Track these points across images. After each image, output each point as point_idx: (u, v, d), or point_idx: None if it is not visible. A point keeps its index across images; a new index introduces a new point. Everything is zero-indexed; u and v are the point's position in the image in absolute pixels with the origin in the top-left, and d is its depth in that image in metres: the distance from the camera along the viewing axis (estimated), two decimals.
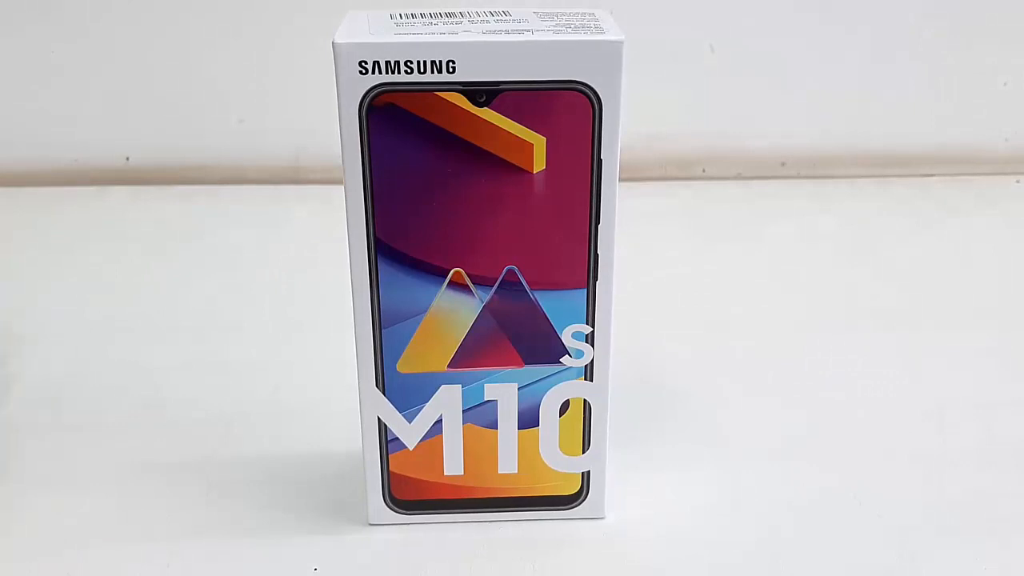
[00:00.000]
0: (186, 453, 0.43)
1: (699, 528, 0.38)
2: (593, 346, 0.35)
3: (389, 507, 0.37)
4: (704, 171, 0.76)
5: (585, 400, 0.36)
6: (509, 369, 0.35)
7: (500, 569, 0.36)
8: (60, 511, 0.39)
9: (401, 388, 0.35)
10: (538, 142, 0.32)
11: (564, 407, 0.36)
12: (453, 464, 0.37)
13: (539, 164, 0.32)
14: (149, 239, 0.65)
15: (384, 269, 0.33)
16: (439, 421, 0.36)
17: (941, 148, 0.76)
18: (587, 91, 0.31)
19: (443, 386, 0.35)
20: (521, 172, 0.32)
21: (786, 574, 0.36)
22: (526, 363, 0.35)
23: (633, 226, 0.69)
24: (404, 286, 0.34)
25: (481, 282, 0.34)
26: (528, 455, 0.37)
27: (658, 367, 0.50)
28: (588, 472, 0.37)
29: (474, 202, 0.33)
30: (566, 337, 0.35)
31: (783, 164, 0.76)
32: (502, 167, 0.32)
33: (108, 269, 0.61)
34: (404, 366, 0.35)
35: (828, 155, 0.76)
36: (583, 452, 0.37)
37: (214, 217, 0.69)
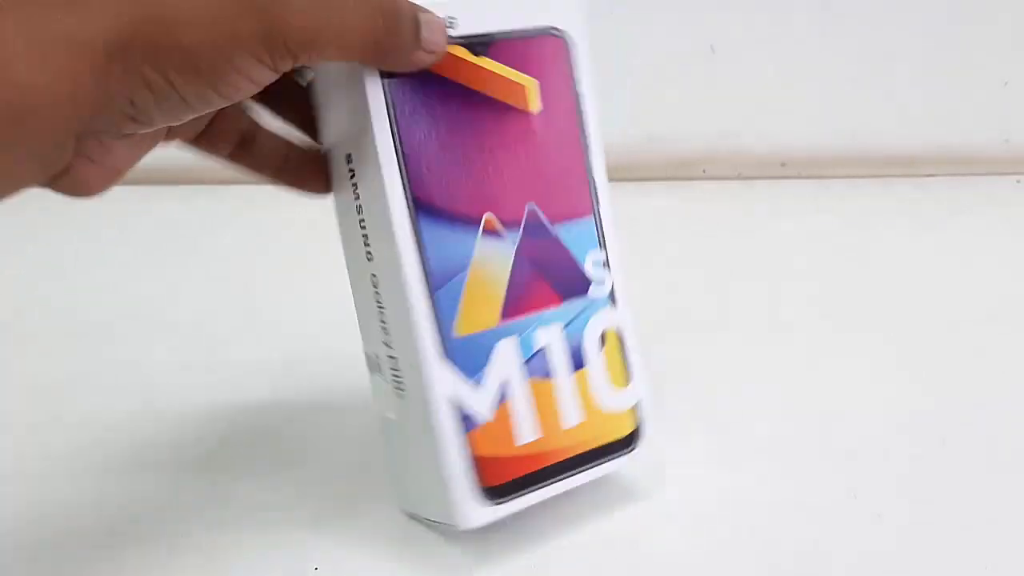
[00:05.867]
0: (186, 453, 0.43)
1: (699, 528, 0.38)
2: (610, 269, 0.37)
3: (481, 500, 0.34)
4: (704, 171, 0.76)
5: (616, 329, 0.37)
6: (551, 309, 0.36)
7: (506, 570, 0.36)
8: (60, 510, 0.39)
9: (463, 353, 0.34)
10: (531, 84, 0.35)
11: (602, 340, 0.37)
12: (526, 427, 0.35)
13: (535, 104, 0.35)
14: (149, 239, 0.65)
15: (426, 228, 0.33)
16: (505, 382, 0.35)
17: (941, 148, 0.76)
18: (560, 34, 0.35)
19: (499, 342, 0.35)
20: (523, 114, 0.35)
21: (786, 573, 0.36)
22: (563, 300, 0.36)
23: (633, 226, 0.69)
24: (446, 242, 0.34)
25: (510, 226, 0.35)
26: (584, 400, 0.37)
27: (658, 366, 0.50)
28: (639, 406, 0.38)
29: (490, 146, 0.34)
30: (588, 267, 0.36)
31: (783, 164, 0.76)
32: (507, 111, 0.34)
33: (108, 269, 0.61)
34: (461, 328, 0.34)
35: (828, 155, 0.76)
36: (628, 383, 0.37)
37: (214, 217, 0.69)
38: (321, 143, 0.35)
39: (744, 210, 0.71)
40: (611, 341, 0.37)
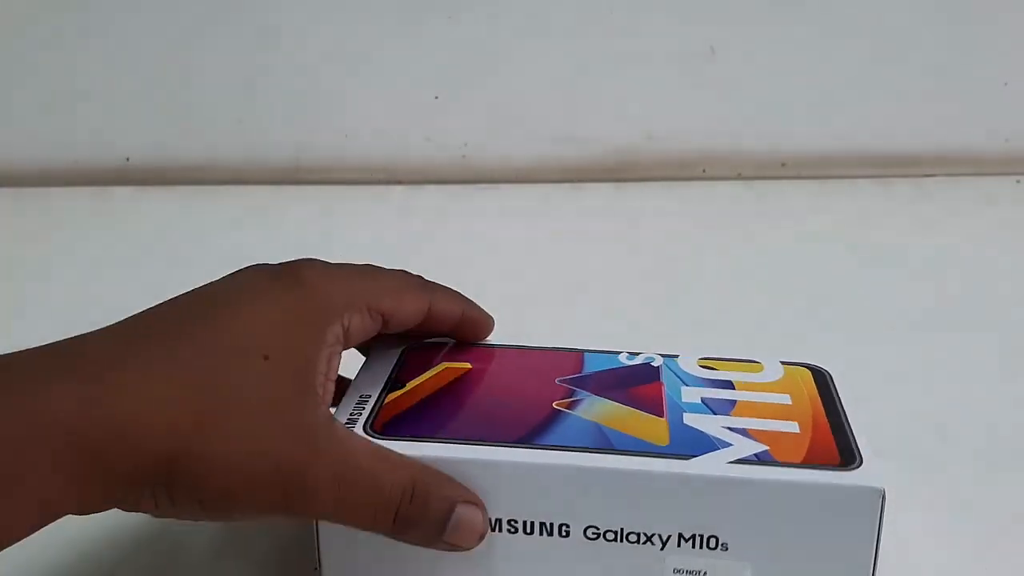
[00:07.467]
0: None
1: None
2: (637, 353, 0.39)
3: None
4: (704, 171, 0.76)
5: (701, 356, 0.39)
6: (663, 387, 0.36)
7: None
8: None
9: (685, 444, 0.32)
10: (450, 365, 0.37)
11: (704, 367, 0.38)
12: (781, 427, 0.34)
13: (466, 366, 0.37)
14: (149, 239, 0.65)
15: (544, 440, 0.32)
16: (726, 426, 0.34)
17: (941, 148, 0.76)
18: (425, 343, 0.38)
19: (683, 415, 0.34)
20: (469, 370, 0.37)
21: None
22: (656, 378, 0.37)
23: (634, 226, 0.69)
24: (565, 431, 0.33)
25: (569, 395, 0.35)
26: (767, 389, 0.37)
27: None
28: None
29: (486, 392, 0.35)
30: (625, 359, 0.38)
31: (783, 164, 0.76)
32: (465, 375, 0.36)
33: (108, 269, 0.61)
34: (659, 440, 0.33)
35: (828, 155, 0.76)
36: (760, 362, 0.38)
37: (214, 217, 0.69)
38: None
39: (744, 210, 0.71)
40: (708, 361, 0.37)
